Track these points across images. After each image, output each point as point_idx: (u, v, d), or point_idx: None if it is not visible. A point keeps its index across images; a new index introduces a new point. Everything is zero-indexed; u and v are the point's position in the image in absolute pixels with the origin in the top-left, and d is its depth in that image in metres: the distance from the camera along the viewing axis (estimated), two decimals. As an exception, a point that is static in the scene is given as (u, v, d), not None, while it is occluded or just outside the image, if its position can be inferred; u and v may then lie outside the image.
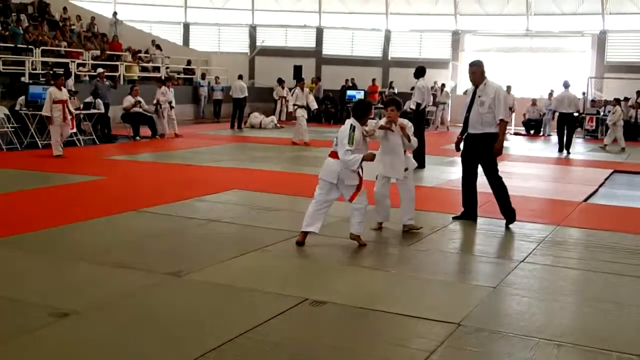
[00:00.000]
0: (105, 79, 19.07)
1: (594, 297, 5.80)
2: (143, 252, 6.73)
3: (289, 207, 9.22)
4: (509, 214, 8.47)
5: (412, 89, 14.61)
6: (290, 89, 29.33)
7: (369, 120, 7.51)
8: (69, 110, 14.10)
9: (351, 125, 7.03)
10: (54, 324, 4.70)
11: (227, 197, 9.93)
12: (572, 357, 4.50)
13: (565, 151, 18.77)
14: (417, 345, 4.56)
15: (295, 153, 16.36)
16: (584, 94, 25.35)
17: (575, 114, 19.95)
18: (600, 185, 12.50)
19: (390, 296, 5.64)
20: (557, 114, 19.85)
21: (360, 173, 7.17)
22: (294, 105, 18.46)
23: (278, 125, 25.38)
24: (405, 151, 7.81)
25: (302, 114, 18.26)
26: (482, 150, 8.43)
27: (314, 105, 19.03)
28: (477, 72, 8.52)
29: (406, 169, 7.84)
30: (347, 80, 30.34)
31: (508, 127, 20.23)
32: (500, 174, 8.53)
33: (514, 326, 5.02)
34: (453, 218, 8.68)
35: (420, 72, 14.12)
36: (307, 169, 13.41)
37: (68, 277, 5.86)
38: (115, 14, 27.86)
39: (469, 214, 8.65)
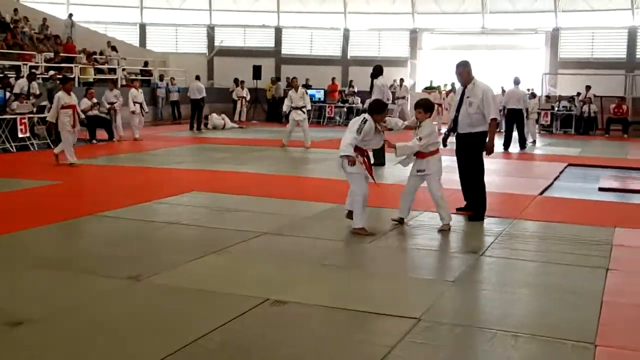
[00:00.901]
0: (57, 81, 18.81)
1: (550, 289, 5.90)
2: (102, 256, 6.66)
3: (249, 208, 9.19)
4: (479, 211, 8.65)
5: (372, 87, 14.72)
6: (249, 90, 29.41)
7: (390, 119, 8.02)
8: (78, 116, 13.73)
9: (364, 118, 7.62)
10: (7, 332, 4.62)
11: (187, 199, 9.87)
12: (529, 347, 4.58)
13: (518, 147, 18.49)
14: (378, 341, 4.60)
15: (256, 154, 16.34)
16: (529, 90, 25.20)
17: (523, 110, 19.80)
18: (556, 179, 12.69)
19: (351, 294, 5.67)
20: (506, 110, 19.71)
21: (360, 162, 7.65)
22: (290, 107, 17.64)
23: (238, 125, 25.34)
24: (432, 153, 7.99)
25: (293, 116, 17.59)
26: (471, 148, 8.59)
27: (308, 106, 18.02)
28: (463, 72, 8.61)
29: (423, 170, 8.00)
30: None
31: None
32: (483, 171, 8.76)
33: (472, 319, 5.11)
34: (457, 209, 8.86)
35: (378, 72, 14.27)
36: (268, 169, 13.43)
37: (24, 284, 5.77)
38: (70, 15, 27.50)
39: (473, 206, 8.86)
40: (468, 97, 8.50)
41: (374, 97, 14.07)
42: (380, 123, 7.71)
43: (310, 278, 6.11)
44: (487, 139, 8.48)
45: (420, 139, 7.79)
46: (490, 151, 8.58)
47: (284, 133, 18.03)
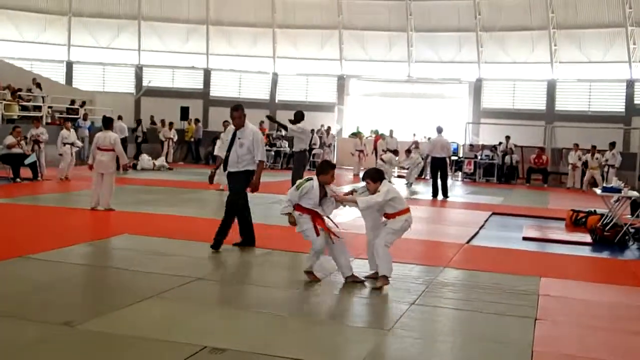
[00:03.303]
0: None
1: (482, 338, 6.05)
2: (31, 301, 6.49)
3: (181, 251, 9.12)
4: (217, 238, 9.22)
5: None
6: (177, 131, 29.30)
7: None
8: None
9: (309, 177, 7.70)
10: None
11: (118, 242, 9.74)
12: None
13: (441, 195, 18.47)
14: (318, 390, 4.64)
15: (183, 196, 16.25)
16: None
17: (448, 159, 20.05)
18: (481, 227, 13.01)
19: (288, 341, 5.69)
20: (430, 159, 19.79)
21: (303, 222, 7.63)
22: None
23: (167, 166, 25.14)
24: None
25: None
26: (238, 182, 9.36)
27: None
28: (240, 116, 9.36)
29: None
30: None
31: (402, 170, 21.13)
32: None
33: (409, 368, 5.20)
34: (234, 244, 9.37)
35: (299, 117, 14.58)
36: (196, 212, 13.34)
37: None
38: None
39: (248, 241, 9.48)
40: (239, 138, 9.27)
41: (295, 142, 14.77)
42: (330, 186, 7.73)
43: (247, 325, 6.10)
44: (255, 178, 9.30)
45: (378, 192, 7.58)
46: (255, 189, 9.38)
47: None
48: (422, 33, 32.47)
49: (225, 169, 9.47)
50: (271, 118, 16.91)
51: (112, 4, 34.14)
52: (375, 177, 7.71)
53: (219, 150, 17.75)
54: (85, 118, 26.82)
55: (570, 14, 30.26)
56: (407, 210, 7.74)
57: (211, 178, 9.66)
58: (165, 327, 5.87)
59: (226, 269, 8.24)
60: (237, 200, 9.35)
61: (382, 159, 23.93)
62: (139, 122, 29.42)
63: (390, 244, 7.69)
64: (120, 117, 24.59)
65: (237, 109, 9.34)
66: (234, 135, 9.35)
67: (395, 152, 24.10)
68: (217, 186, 17.59)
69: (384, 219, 7.78)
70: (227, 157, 9.35)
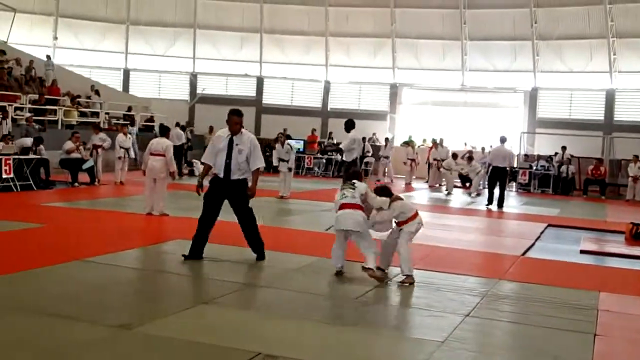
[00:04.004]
0: (33, 123, 18.92)
1: (539, 353, 5.91)
2: (88, 303, 6.60)
3: (231, 258, 9.12)
4: (259, 249, 9.10)
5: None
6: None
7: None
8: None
9: (354, 184, 8.44)
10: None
11: (171, 247, 9.82)
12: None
13: (495, 205, 18.32)
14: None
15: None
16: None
17: (508, 169, 19.97)
18: (537, 239, 12.78)
19: (340, 350, 5.66)
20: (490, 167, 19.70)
21: None
22: (278, 159, 18.60)
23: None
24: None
25: (282, 169, 18.36)
26: (240, 193, 9.01)
27: (290, 163, 18.55)
28: (240, 122, 8.99)
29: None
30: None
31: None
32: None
33: (465, 382, 5.11)
34: (183, 255, 8.89)
35: (350, 125, 14.70)
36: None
37: (4, 330, 5.67)
38: (48, 57, 27.56)
39: (196, 254, 8.92)
40: (237, 144, 8.90)
41: (346, 152, 14.98)
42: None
43: (300, 333, 6.09)
44: (252, 184, 9.09)
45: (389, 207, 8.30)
46: (252, 195, 9.10)
47: (282, 187, 18.29)
48: (476, 41, 32.19)
49: (228, 178, 8.91)
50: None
51: (169, 13, 34.73)
52: (381, 194, 8.42)
53: (275, 160, 18.42)
54: (133, 124, 27.17)
55: (630, 23, 29.63)
56: (417, 214, 8.45)
57: (200, 186, 9.25)
58: (219, 332, 5.89)
59: (276, 276, 8.23)
60: (251, 211, 9.15)
61: (443, 167, 24.08)
62: (183, 128, 29.47)
63: (409, 242, 8.38)
64: (177, 124, 24.94)
65: (239, 114, 8.99)
66: (231, 141, 8.92)
67: (454, 156, 24.05)
68: (277, 193, 17.76)
69: (395, 225, 8.44)
70: (227, 164, 8.88)
